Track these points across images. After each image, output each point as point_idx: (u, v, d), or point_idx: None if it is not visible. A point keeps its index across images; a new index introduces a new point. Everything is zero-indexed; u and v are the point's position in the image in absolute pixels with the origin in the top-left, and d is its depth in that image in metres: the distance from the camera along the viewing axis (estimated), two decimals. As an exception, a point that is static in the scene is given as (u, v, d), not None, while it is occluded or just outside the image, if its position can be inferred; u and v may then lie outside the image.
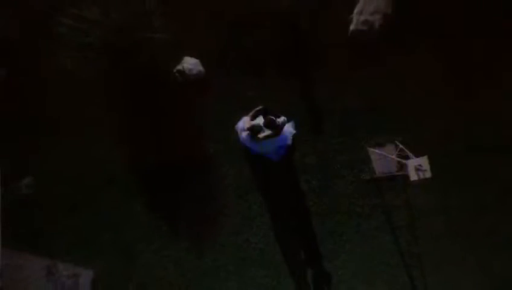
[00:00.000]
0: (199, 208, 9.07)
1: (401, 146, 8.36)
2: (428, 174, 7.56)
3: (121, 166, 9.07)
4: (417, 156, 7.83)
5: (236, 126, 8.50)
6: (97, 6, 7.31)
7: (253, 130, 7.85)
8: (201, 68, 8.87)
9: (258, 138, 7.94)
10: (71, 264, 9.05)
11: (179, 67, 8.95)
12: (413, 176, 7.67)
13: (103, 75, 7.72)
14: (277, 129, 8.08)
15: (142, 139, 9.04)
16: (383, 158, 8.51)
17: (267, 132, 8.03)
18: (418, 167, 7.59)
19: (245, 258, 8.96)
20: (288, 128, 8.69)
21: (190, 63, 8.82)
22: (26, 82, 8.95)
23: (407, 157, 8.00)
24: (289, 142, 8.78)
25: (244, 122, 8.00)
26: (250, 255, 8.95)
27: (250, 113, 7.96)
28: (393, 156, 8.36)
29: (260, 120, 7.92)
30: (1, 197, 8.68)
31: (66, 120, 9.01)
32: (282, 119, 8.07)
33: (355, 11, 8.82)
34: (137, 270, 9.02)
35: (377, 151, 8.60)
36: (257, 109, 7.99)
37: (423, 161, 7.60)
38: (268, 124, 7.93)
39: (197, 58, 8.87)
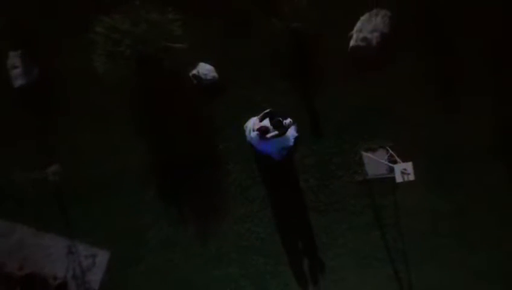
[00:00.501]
0: (206, 199, 10.00)
1: (391, 151, 9.31)
2: (412, 178, 8.49)
3: (137, 158, 10.00)
4: (404, 161, 8.76)
5: (245, 126, 9.43)
6: (128, 18, 8.24)
7: (262, 131, 8.75)
8: (215, 74, 9.81)
9: (266, 137, 8.83)
10: (89, 245, 10.03)
11: (194, 72, 9.90)
12: (399, 179, 8.58)
13: (129, 78, 8.65)
14: (284, 130, 8.97)
15: (159, 135, 9.97)
16: (374, 162, 9.45)
17: (274, 132, 8.93)
18: (403, 170, 8.52)
19: (247, 246, 9.90)
20: (291, 131, 9.60)
21: (205, 69, 9.78)
22: (58, 82, 9.89)
23: (395, 162, 8.94)
24: (291, 143, 9.70)
25: (253, 124, 8.92)
26: (252, 243, 9.88)
27: (259, 115, 8.87)
28: (384, 161, 9.30)
29: (267, 122, 8.81)
30: (29, 183, 9.60)
31: (92, 116, 9.95)
32: (288, 121, 8.93)
33: (355, 28, 9.74)
34: (147, 253, 9.96)
35: (369, 155, 9.54)
36: (265, 111, 8.90)
37: (408, 166, 8.54)
38: (276, 125, 8.82)
39: (211, 65, 9.81)
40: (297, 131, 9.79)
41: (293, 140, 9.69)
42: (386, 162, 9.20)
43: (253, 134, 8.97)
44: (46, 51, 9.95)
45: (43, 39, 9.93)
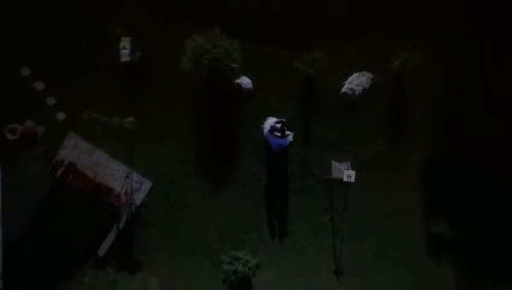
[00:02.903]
0: (224, 168, 14.96)
1: (349, 163, 14.38)
2: (352, 180, 13.70)
3: (183, 121, 14.94)
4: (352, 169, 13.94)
5: (264, 125, 14.46)
6: (211, 41, 13.34)
7: (272, 128, 13.81)
8: (251, 86, 14.87)
9: (273, 134, 13.89)
10: (140, 175, 14.94)
11: (238, 81, 14.92)
12: (345, 179, 13.92)
13: (201, 78, 13.73)
14: (284, 134, 14.00)
15: (205, 127, 14.90)
16: (337, 168, 14.49)
17: (278, 134, 13.96)
18: (348, 175, 13.66)
19: (243, 203, 14.86)
20: (289, 137, 14.60)
21: (246, 81, 14.83)
22: (151, 65, 14.81)
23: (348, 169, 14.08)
24: (286, 144, 14.70)
25: (269, 122, 14.00)
26: (246, 202, 14.85)
27: (276, 120, 13.95)
28: (343, 168, 14.34)
29: (278, 125, 13.85)
30: (112, 124, 14.44)
31: (164, 93, 14.84)
32: (288, 132, 14.04)
33: (347, 81, 14.83)
34: (177, 191, 14.86)
35: (335, 163, 14.58)
36: (281, 119, 13.99)
37: (352, 173, 13.72)
38: (281, 130, 13.87)
39: (250, 79, 14.84)
40: (293, 138, 14.75)
41: (288, 143, 14.68)
42: (343, 170, 14.26)
43: (267, 128, 14.03)
44: (149, 43, 14.90)
45: (150, 34, 14.87)
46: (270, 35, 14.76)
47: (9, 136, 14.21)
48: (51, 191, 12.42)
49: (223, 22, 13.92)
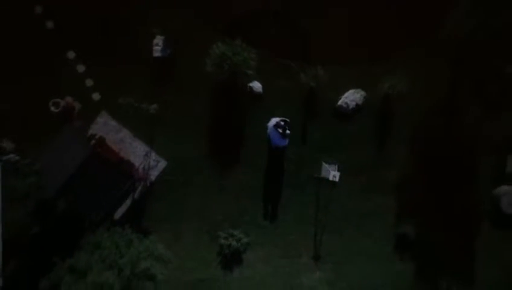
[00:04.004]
0: (230, 161, 17.44)
1: (337, 165, 16.87)
2: (336, 180, 16.23)
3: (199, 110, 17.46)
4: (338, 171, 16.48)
5: (268, 123, 16.92)
6: (232, 49, 15.89)
7: (277, 125, 16.34)
8: (261, 90, 17.35)
9: (277, 129, 16.40)
10: (157, 155, 17.41)
11: (250, 84, 17.40)
12: (330, 178, 16.38)
13: (220, 79, 16.32)
14: (284, 133, 16.49)
15: (218, 120, 17.42)
16: (326, 169, 16.98)
17: (280, 130, 16.44)
18: (334, 175, 16.18)
19: (242, 190, 17.34)
20: (286, 138, 17.06)
21: (257, 85, 17.32)
22: (178, 62, 17.33)
23: (334, 171, 16.61)
24: (285, 144, 17.16)
25: (273, 122, 16.50)
26: (245, 190, 17.32)
27: (280, 119, 16.43)
28: (331, 169, 16.83)
29: (281, 124, 16.35)
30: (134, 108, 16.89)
31: (185, 87, 17.39)
32: (288, 132, 16.50)
33: (343, 96, 17.32)
34: (188, 172, 17.32)
35: (325, 164, 17.06)
36: (285, 118, 16.48)
37: (337, 174, 16.23)
38: (282, 128, 16.37)
39: (260, 84, 17.34)
40: (288, 138, 17.15)
41: (286, 143, 17.14)
42: (331, 171, 16.76)
43: (272, 123, 16.56)
44: (178, 43, 17.39)
45: (181, 36, 17.36)
46: (283, 48, 17.34)
47: (53, 109, 16.72)
48: (85, 159, 14.83)
49: (243, 31, 16.49)
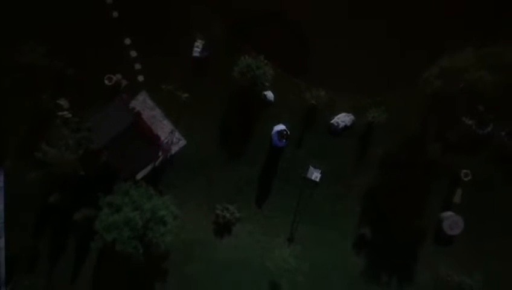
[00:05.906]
0: (237, 152, 21.55)
1: (321, 170, 21.03)
2: (317, 180, 20.40)
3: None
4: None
5: (274, 127, 21.05)
6: (255, 63, 20.01)
7: (277, 131, 20.48)
8: (272, 99, 21.53)
9: (278, 135, 20.56)
10: (180, 134, 21.50)
11: (265, 93, 21.55)
12: (312, 178, 20.55)
13: (241, 87, 20.51)
14: (283, 139, 20.65)
15: (233, 119, 21.55)
16: (312, 171, 21.14)
17: (280, 136, 20.61)
18: (315, 176, 20.35)
19: (242, 176, 21.44)
20: (284, 142, 21.23)
21: (270, 95, 21.50)
22: (211, 64, 21.49)
23: (318, 173, 20.81)
24: (284, 145, 21.31)
25: (277, 128, 20.66)
26: (245, 176, 21.42)
27: (283, 127, 20.57)
28: (316, 172, 20.99)
29: (283, 131, 20.53)
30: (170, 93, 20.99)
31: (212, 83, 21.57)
32: (284, 141, 20.67)
33: (336, 116, 21.51)
34: (202, 153, 21.41)
35: (312, 168, 21.21)
36: (285, 129, 20.64)
37: (319, 176, 20.44)
38: (283, 135, 20.54)
39: (273, 94, 21.51)
40: (286, 142, 21.35)
41: (284, 145, 21.28)
42: (315, 173, 20.95)
43: (275, 130, 20.72)
44: (214, 49, 21.54)
45: (218, 43, 21.54)
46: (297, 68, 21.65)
47: (107, 82, 20.84)
48: (128, 125, 18.95)
49: (266, 50, 20.78)
